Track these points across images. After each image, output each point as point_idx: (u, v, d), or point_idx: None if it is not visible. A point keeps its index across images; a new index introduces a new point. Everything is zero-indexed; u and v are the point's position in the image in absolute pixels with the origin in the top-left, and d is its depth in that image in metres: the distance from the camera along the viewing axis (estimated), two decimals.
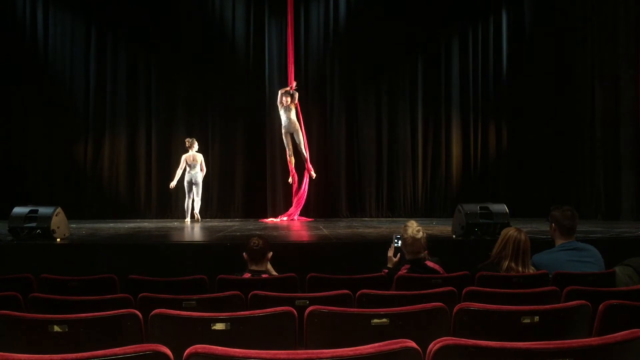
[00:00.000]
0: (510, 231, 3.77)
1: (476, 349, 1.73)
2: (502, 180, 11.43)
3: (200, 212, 10.23)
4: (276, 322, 2.36)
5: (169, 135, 11.38)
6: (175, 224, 9.62)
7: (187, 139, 9.80)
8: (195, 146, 9.66)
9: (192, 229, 8.56)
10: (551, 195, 9.89)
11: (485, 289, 3.13)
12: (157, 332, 2.34)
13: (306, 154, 9.87)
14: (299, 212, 10.09)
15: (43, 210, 6.22)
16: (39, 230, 6.05)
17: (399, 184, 11.59)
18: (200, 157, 9.69)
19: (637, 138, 9.20)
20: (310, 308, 2.37)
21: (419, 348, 1.68)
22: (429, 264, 3.88)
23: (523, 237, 3.70)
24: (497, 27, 11.69)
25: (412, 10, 11.34)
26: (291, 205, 10.27)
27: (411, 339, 1.69)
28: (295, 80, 9.93)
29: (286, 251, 5.46)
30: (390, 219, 10.92)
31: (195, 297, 2.97)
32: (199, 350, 1.62)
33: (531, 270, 3.71)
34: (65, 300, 3.04)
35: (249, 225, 9.28)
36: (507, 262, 3.66)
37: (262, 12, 11.46)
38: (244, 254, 3.92)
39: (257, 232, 6.68)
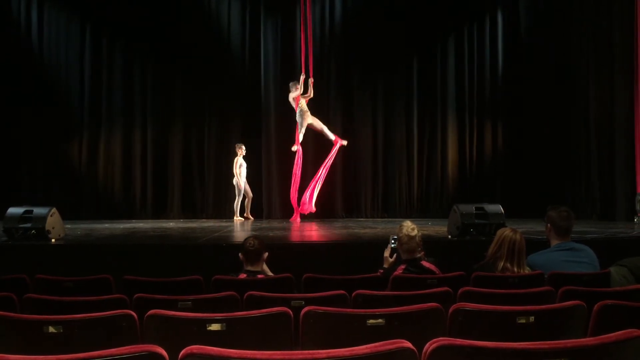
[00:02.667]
0: (506, 231, 3.77)
1: (472, 349, 1.74)
2: (497, 181, 11.45)
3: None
4: (272, 322, 2.36)
5: (165, 135, 11.37)
6: (171, 224, 9.62)
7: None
8: (238, 151, 10.13)
9: (189, 230, 8.54)
10: (547, 195, 9.90)
11: (480, 289, 3.13)
12: (153, 332, 2.33)
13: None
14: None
15: (38, 210, 6.20)
16: (33, 231, 6.03)
17: (394, 184, 11.60)
18: (235, 161, 10.15)
19: (631, 139, 9.23)
20: (306, 308, 2.37)
21: (414, 348, 1.68)
22: (425, 264, 3.88)
23: (518, 237, 3.70)
24: (492, 28, 11.73)
25: (408, 10, 11.35)
26: (291, 205, 10.28)
27: (407, 340, 1.69)
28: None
29: (282, 252, 5.46)
30: (385, 219, 10.92)
31: (190, 297, 2.97)
32: (195, 351, 1.61)
33: (527, 270, 3.71)
34: (60, 301, 3.03)
35: (245, 225, 9.29)
36: (502, 263, 3.67)
37: (257, 13, 11.46)
38: (240, 254, 3.91)
39: (253, 233, 6.67)
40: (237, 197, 10.15)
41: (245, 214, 10.30)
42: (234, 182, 10.13)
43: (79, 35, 11.21)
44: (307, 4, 10.07)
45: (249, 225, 9.41)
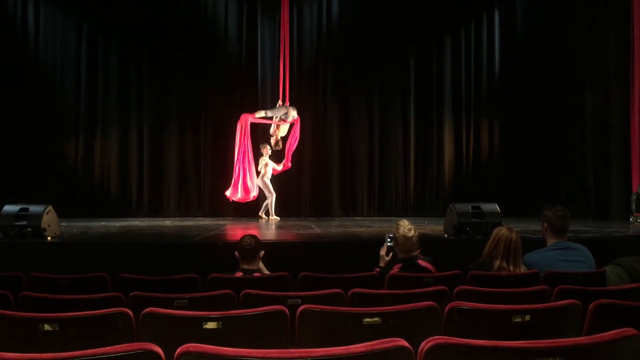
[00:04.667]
0: (502, 230, 3.78)
1: (467, 348, 1.74)
2: (493, 180, 11.47)
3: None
4: (268, 321, 2.36)
5: (161, 134, 11.35)
6: (167, 222, 9.60)
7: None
8: (263, 151, 9.83)
9: (185, 228, 8.53)
10: (542, 195, 9.92)
11: (476, 288, 3.14)
12: (149, 331, 2.33)
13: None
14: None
15: (34, 208, 6.17)
16: (29, 229, 6.01)
17: (391, 183, 11.62)
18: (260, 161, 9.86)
19: (626, 138, 9.25)
20: (302, 307, 2.37)
21: (410, 347, 1.68)
22: (421, 263, 3.89)
23: (514, 236, 3.71)
24: (489, 27, 11.75)
25: (404, 9, 11.35)
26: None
27: (403, 338, 1.69)
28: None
29: (278, 250, 5.45)
30: (382, 218, 10.93)
31: (186, 296, 2.96)
32: (191, 349, 1.61)
33: (522, 269, 3.72)
34: (56, 299, 3.02)
35: (241, 224, 9.28)
36: (498, 262, 3.68)
37: (254, 12, 11.45)
38: (236, 252, 3.91)
39: (249, 231, 6.67)
40: (270, 196, 9.82)
41: (260, 213, 9.99)
42: (261, 184, 9.74)
43: (75, 34, 11.16)
44: (286, 35, 9.94)
45: (270, 224, 9.28)
